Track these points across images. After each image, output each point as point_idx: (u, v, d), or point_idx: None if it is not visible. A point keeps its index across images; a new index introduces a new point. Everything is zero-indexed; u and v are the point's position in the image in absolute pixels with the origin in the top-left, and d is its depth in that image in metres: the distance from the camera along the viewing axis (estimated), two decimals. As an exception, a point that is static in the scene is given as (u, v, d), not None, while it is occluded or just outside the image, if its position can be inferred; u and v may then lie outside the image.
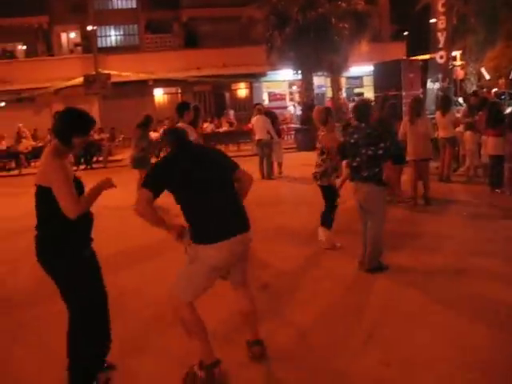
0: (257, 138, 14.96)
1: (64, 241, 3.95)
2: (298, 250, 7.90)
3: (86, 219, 4.07)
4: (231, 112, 29.13)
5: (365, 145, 6.39)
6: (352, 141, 6.57)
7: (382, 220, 6.61)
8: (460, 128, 12.56)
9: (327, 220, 7.75)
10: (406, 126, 10.38)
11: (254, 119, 15.25)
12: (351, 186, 6.80)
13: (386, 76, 17.07)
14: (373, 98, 17.73)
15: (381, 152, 6.34)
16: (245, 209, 4.29)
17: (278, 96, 32.08)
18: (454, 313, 5.39)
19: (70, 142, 4.01)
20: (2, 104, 27.21)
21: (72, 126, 4.02)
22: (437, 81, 18.78)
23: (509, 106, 14.46)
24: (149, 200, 3.98)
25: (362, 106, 6.72)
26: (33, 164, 20.99)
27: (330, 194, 7.67)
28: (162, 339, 5.12)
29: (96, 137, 22.89)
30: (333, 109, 9.48)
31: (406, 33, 34.18)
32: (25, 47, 31.86)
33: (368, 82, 29.68)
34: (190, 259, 4.19)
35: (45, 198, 3.87)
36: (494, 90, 16.99)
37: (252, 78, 30.44)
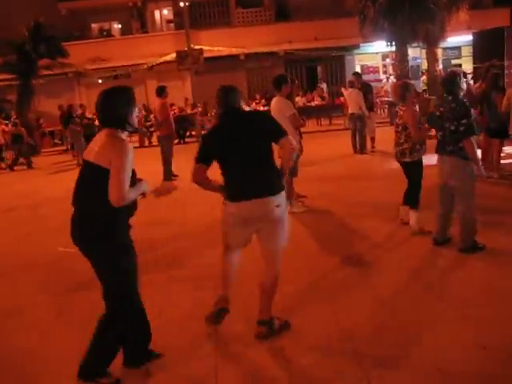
0: (350, 111, 14.74)
1: (117, 224, 3.87)
2: (386, 226, 7.76)
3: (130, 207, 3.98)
4: (323, 85, 28.81)
5: (449, 119, 6.21)
6: (437, 113, 6.42)
7: (471, 196, 6.35)
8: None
9: (414, 200, 7.44)
10: (510, 97, 9.87)
11: (346, 92, 15.02)
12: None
13: (488, 45, 16.27)
14: (471, 70, 16.99)
15: (462, 128, 6.12)
16: (276, 175, 4.52)
17: (371, 69, 31.37)
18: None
19: (128, 122, 3.94)
20: (100, 81, 28.19)
21: (128, 104, 3.94)
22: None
23: None
24: (202, 171, 4.48)
25: (451, 78, 6.44)
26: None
27: (418, 171, 7.35)
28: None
29: (189, 111, 23.35)
30: (427, 81, 9.13)
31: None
32: (120, 26, 32.78)
33: (466, 52, 28.41)
34: None
35: (100, 178, 3.72)
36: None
37: (344, 50, 29.90)
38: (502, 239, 6.79)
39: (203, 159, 4.49)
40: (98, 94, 3.93)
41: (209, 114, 23.94)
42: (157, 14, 32.98)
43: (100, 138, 3.89)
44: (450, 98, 6.30)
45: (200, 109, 24.15)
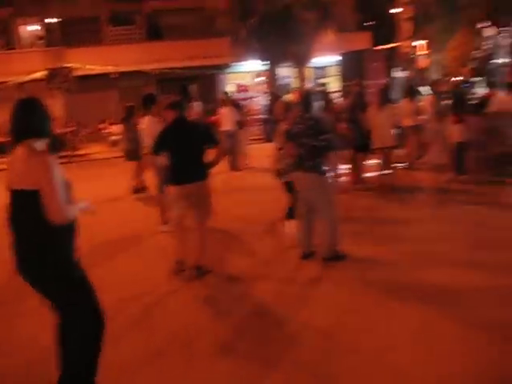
0: (223, 129, 14.91)
1: (57, 249, 3.63)
2: (259, 241, 7.93)
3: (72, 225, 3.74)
4: (196, 104, 28.94)
5: (309, 135, 6.45)
6: (295, 130, 6.63)
7: (332, 209, 6.62)
8: (424, 116, 12.71)
9: (291, 215, 7.64)
10: (372, 114, 10.47)
11: (220, 110, 15.22)
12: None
13: (352, 66, 17.18)
14: (340, 88, 17.87)
15: (323, 144, 6.42)
16: (205, 168, 6.41)
17: (244, 87, 31.99)
18: (417, 302, 5.47)
19: (48, 132, 3.77)
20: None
21: (47, 115, 3.78)
22: (402, 70, 18.96)
23: (471, 93, 14.64)
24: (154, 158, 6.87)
25: (307, 97, 6.75)
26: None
27: (295, 189, 7.51)
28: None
29: (59, 131, 22.59)
30: (296, 99, 9.48)
31: (371, 23, 34.35)
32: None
33: (333, 72, 29.79)
34: None
35: (32, 202, 3.50)
36: (457, 78, 17.20)
37: (217, 69, 30.29)
38: (367, 248, 7.16)
39: (156, 149, 6.43)
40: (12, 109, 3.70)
41: (80, 134, 23.28)
42: (25, 29, 31.66)
43: (16, 159, 3.58)
44: (307, 115, 6.58)
45: (72, 128, 23.42)
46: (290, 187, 7.53)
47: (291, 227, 7.63)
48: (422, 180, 11.51)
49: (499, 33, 15.91)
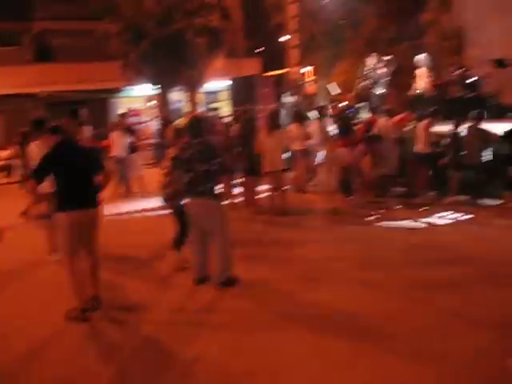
0: (113, 154, 14.57)
1: None
2: (150, 268, 7.85)
3: None
4: (87, 128, 28.22)
5: (200, 160, 6.48)
6: (186, 156, 6.62)
7: (226, 234, 6.67)
8: (312, 140, 13.11)
9: (179, 241, 7.57)
10: (263, 139, 10.69)
11: (111, 135, 14.92)
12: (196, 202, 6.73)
13: (243, 91, 17.48)
14: (231, 113, 18.13)
15: (214, 168, 6.49)
16: (94, 194, 6.14)
17: (136, 111, 31.63)
18: (312, 324, 5.62)
19: None
20: None
21: None
22: (291, 95, 19.51)
23: (356, 118, 15.31)
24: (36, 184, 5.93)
25: (196, 122, 6.81)
26: None
27: (183, 215, 7.40)
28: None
29: None
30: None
31: (260, 49, 35.14)
32: None
33: (225, 96, 30.13)
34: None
35: None
36: (343, 103, 17.97)
37: (109, 93, 29.79)
38: (261, 271, 7.28)
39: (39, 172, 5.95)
40: None
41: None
42: None
43: None
44: (197, 140, 6.59)
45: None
46: (178, 212, 7.45)
47: (181, 252, 7.59)
48: (312, 202, 11.85)
49: (379, 62, 16.87)
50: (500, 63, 15.67)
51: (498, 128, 10.76)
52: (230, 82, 18.95)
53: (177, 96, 29.36)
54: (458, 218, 9.81)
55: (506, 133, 10.55)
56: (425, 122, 11.41)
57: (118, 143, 14.41)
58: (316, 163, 13.65)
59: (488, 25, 18.78)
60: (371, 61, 17.24)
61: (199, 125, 6.74)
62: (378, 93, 16.84)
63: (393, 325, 5.35)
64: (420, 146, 11.32)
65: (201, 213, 6.64)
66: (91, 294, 6.19)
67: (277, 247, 8.47)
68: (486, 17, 18.85)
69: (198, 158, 6.50)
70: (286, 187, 11.18)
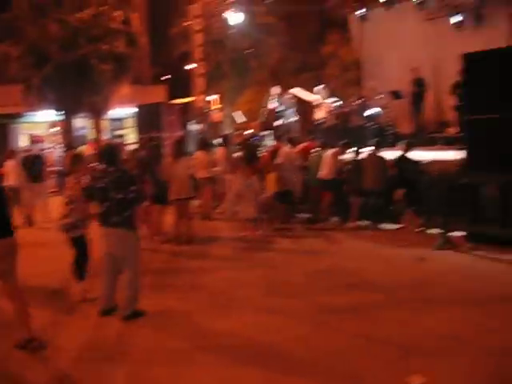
0: (9, 183, 13.69)
1: None
2: (53, 301, 7.49)
3: None
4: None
5: (115, 189, 6.29)
6: (101, 185, 6.42)
7: (137, 265, 6.51)
8: (217, 168, 13.19)
9: (79, 272, 7.31)
10: (169, 166, 10.63)
11: (7, 163, 14.11)
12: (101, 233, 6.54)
13: (148, 118, 17.36)
14: (136, 140, 17.97)
15: (131, 196, 6.31)
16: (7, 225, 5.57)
17: (39, 138, 30.59)
18: (220, 352, 5.58)
19: None
20: None
21: None
22: (197, 123, 19.56)
23: (261, 145, 15.59)
24: None
25: (110, 150, 6.66)
26: None
27: (82, 245, 7.26)
28: None
29: None
30: (93, 151, 9.33)
31: (166, 76, 35.04)
32: None
33: (130, 123, 29.75)
34: None
35: None
36: (248, 131, 18.25)
37: (9, 118, 28.66)
38: (168, 300, 7.16)
39: None
40: None
41: None
42: None
43: None
44: (111, 168, 6.41)
45: None
46: (78, 242, 7.22)
47: (82, 284, 7.32)
48: (218, 230, 11.88)
49: (283, 93, 17.33)
50: (395, 95, 16.48)
51: (394, 155, 11.26)
52: (136, 110, 18.71)
53: (81, 122, 28.70)
54: (360, 243, 10.12)
55: (395, 159, 11.07)
56: (334, 149, 11.78)
57: (14, 172, 13.68)
58: (222, 190, 13.76)
59: (384, 58, 19.74)
60: (276, 90, 17.62)
61: (114, 152, 6.56)
62: (282, 121, 17.20)
63: (304, 350, 5.39)
64: (325, 172, 11.64)
65: (115, 243, 6.41)
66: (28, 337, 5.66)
67: (184, 276, 8.38)
68: (383, 51, 19.81)
69: (114, 186, 6.30)
70: (192, 215, 11.14)
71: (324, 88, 17.19)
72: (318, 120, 17.12)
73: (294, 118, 17.37)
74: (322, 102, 16.92)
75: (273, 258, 9.35)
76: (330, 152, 11.83)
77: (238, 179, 12.49)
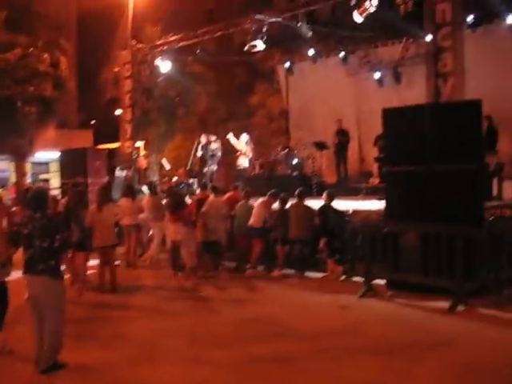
0: None
1: None
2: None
3: None
4: None
5: (40, 236, 6.07)
6: (26, 231, 6.18)
7: (61, 315, 6.25)
8: (143, 215, 13.04)
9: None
10: (93, 213, 10.44)
11: None
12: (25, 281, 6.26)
13: (73, 163, 17.06)
14: (59, 185, 17.59)
15: (57, 244, 6.10)
16: None
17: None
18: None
19: None
20: None
21: None
22: (123, 169, 19.34)
23: (188, 193, 15.56)
24: None
25: (38, 195, 6.40)
26: None
27: (1, 292, 6.95)
28: None
29: None
30: (15, 194, 9.08)
31: (93, 121, 34.73)
32: None
33: (55, 168, 29.17)
34: None
35: None
36: (175, 178, 18.21)
37: None
38: (90, 350, 6.93)
39: None
40: None
41: None
42: None
43: None
44: (38, 214, 6.17)
45: None
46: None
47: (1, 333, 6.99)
48: (143, 278, 11.68)
49: (210, 141, 17.50)
50: (320, 145, 16.93)
51: (318, 204, 11.49)
52: (61, 154, 18.38)
53: (3, 165, 27.89)
54: (286, 291, 10.18)
55: (319, 209, 11.30)
56: (264, 199, 11.89)
57: None
58: (147, 238, 13.61)
59: (310, 109, 20.35)
60: (203, 138, 17.73)
61: (42, 198, 6.31)
62: (208, 169, 17.29)
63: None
64: (254, 221, 11.70)
65: (39, 291, 6.12)
66: None
67: (107, 325, 8.14)
68: (309, 102, 20.42)
69: (40, 233, 6.06)
70: (116, 262, 10.92)
71: (248, 137, 17.43)
72: (241, 167, 17.32)
73: (215, 166, 17.54)
74: (246, 149, 17.15)
75: (198, 307, 9.25)
76: (259, 201, 11.95)
77: (163, 227, 12.44)
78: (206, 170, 17.31)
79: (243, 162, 17.33)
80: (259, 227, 11.68)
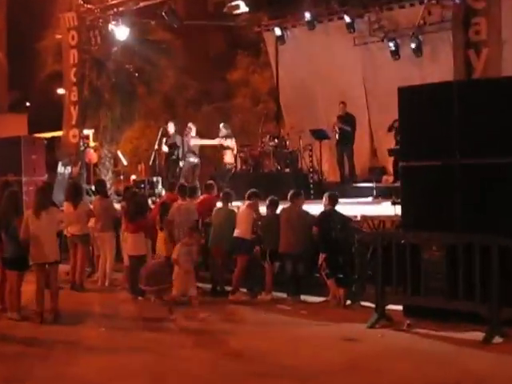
0: None
1: None
2: None
3: None
4: None
5: None
6: None
7: None
8: (93, 223, 12.96)
9: None
10: (29, 220, 10.39)
11: None
12: None
13: (2, 156, 16.86)
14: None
15: None
16: None
17: None
18: None
19: None
20: None
21: None
22: (67, 164, 19.22)
23: (150, 195, 15.56)
24: None
25: None
26: None
27: None
28: None
29: None
30: None
31: (28, 103, 34.48)
32: None
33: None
34: None
35: None
36: (133, 177, 18.18)
37: None
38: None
39: None
40: None
41: None
42: None
43: None
44: None
45: None
46: None
47: None
48: (92, 303, 11.68)
49: (181, 129, 17.35)
50: (320, 134, 16.94)
51: (317, 210, 11.49)
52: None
53: None
54: (276, 319, 10.20)
55: (318, 215, 11.28)
56: (248, 202, 11.85)
57: None
58: (98, 252, 13.54)
59: (307, 89, 20.32)
60: (171, 126, 17.69)
61: None
62: (177, 165, 17.23)
63: None
64: (241, 231, 11.65)
65: None
66: None
67: (47, 364, 8.13)
68: (305, 80, 20.40)
69: None
70: (59, 283, 10.90)
71: (226, 128, 17.37)
72: (224, 164, 17.27)
73: (193, 161, 17.41)
74: (228, 142, 17.10)
75: (163, 339, 9.24)
76: (246, 204, 11.90)
77: (117, 238, 12.41)
78: (174, 165, 17.24)
79: (225, 157, 17.25)
80: (248, 238, 11.66)
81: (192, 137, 17.52)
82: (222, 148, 17.34)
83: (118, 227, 12.87)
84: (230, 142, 17.25)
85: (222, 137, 17.26)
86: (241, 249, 11.73)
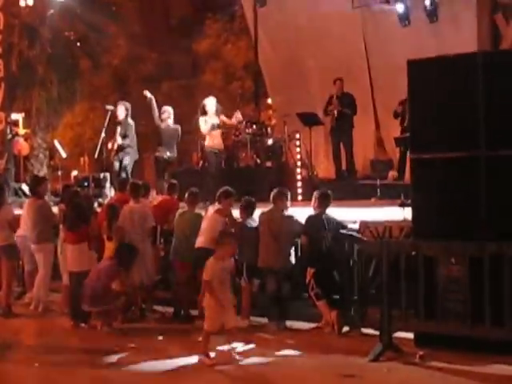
0: None
1: None
2: None
3: None
4: None
5: None
6: None
7: None
8: (22, 231, 12.87)
9: None
10: None
11: None
12: None
13: None
14: None
15: None
16: None
17: None
18: None
19: None
20: None
21: None
22: (-9, 156, 19.15)
23: (97, 196, 15.51)
24: None
25: None
26: None
27: None
28: None
29: None
30: None
31: None
32: None
33: None
34: None
35: None
36: (74, 172, 18.10)
37: None
38: None
39: None
40: None
41: None
42: None
43: None
44: None
45: None
46: None
47: None
48: (23, 331, 11.64)
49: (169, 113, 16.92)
50: (310, 119, 16.94)
51: (306, 213, 11.44)
52: None
53: None
54: (254, 351, 10.18)
55: (307, 221, 11.26)
56: (217, 206, 11.81)
57: None
58: (29, 268, 13.45)
59: (294, 62, 20.29)
60: (121, 108, 17.51)
61: None
62: (130, 159, 17.09)
63: None
64: (204, 240, 11.58)
65: None
66: None
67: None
68: (292, 51, 20.34)
69: None
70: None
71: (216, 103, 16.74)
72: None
73: (169, 155, 17.04)
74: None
75: (110, 379, 9.19)
76: (214, 208, 11.86)
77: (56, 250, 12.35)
78: (127, 159, 16.97)
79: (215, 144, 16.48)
80: (213, 249, 11.58)
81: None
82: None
83: (56, 237, 12.74)
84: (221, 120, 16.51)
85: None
86: (205, 262, 11.61)
